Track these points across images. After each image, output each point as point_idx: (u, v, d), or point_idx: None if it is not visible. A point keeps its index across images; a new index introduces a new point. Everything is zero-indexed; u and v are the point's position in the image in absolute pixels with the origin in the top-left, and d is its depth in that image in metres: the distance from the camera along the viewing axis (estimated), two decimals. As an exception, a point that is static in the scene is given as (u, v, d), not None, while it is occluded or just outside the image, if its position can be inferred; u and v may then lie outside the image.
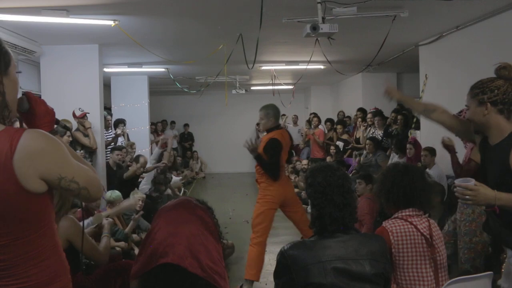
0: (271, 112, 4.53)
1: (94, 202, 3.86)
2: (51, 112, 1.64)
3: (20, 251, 1.42)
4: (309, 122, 11.18)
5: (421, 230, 2.34)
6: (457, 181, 2.05)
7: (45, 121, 1.60)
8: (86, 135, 6.35)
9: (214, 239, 1.90)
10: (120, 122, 8.27)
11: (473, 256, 3.60)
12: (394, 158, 6.72)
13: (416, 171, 2.53)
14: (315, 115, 10.26)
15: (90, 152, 6.44)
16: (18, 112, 1.57)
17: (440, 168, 5.69)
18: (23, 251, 1.42)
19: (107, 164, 6.67)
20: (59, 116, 6.04)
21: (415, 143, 6.30)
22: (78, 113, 6.29)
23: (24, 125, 1.62)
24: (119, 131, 7.92)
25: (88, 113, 6.38)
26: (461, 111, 3.74)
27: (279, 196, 4.43)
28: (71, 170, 1.45)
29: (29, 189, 1.38)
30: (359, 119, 8.73)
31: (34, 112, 1.58)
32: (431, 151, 5.77)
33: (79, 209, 3.57)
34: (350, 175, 7.06)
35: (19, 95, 1.58)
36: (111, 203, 4.61)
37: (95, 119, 6.60)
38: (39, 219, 1.45)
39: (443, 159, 5.96)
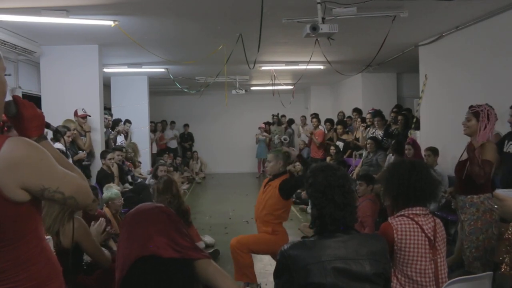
0: (281, 156, 4.30)
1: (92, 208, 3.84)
2: (40, 115, 1.59)
3: (8, 257, 1.40)
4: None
5: (426, 231, 2.34)
6: (497, 191, 2.03)
7: (34, 125, 1.56)
8: (83, 135, 6.36)
9: (175, 223, 2.00)
10: (119, 121, 8.27)
11: (482, 253, 3.53)
12: (390, 159, 6.68)
13: (422, 168, 2.48)
14: (315, 116, 10.25)
15: (89, 153, 6.45)
16: (6, 116, 1.54)
17: (442, 168, 5.69)
18: (11, 257, 1.41)
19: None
20: (58, 116, 5.97)
21: (414, 144, 6.29)
22: (80, 113, 6.31)
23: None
24: (119, 129, 7.93)
25: (90, 116, 6.39)
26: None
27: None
28: (56, 181, 1.42)
29: (11, 198, 1.35)
30: (358, 120, 8.73)
31: (22, 116, 1.54)
32: (434, 151, 5.76)
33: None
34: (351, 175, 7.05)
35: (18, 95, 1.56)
36: (111, 200, 4.59)
37: (95, 119, 6.62)
38: (24, 226, 1.43)
39: (445, 159, 5.97)
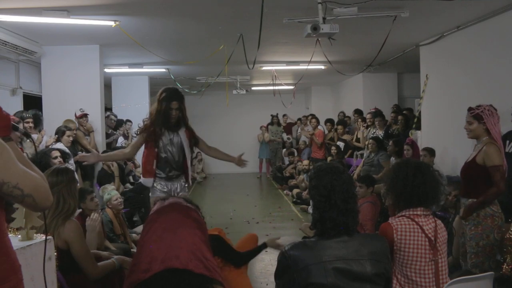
0: None
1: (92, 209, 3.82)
2: (5, 117, 1.60)
3: None
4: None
5: (426, 231, 2.32)
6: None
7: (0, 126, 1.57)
8: (87, 135, 6.37)
9: (206, 237, 1.95)
10: (123, 122, 8.28)
11: (482, 260, 3.43)
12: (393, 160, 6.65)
13: (427, 170, 2.45)
14: (313, 116, 10.25)
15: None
16: None
17: (441, 168, 5.68)
18: None
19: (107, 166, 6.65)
20: (59, 116, 5.95)
21: (413, 144, 6.26)
22: (78, 114, 6.31)
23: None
24: (120, 132, 7.93)
25: (88, 114, 6.39)
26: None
27: None
28: (15, 176, 1.41)
29: None
30: (359, 120, 8.72)
31: None
32: (430, 152, 5.73)
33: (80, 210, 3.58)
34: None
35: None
36: (110, 200, 4.58)
37: (95, 120, 6.62)
38: None
39: (445, 159, 5.96)
